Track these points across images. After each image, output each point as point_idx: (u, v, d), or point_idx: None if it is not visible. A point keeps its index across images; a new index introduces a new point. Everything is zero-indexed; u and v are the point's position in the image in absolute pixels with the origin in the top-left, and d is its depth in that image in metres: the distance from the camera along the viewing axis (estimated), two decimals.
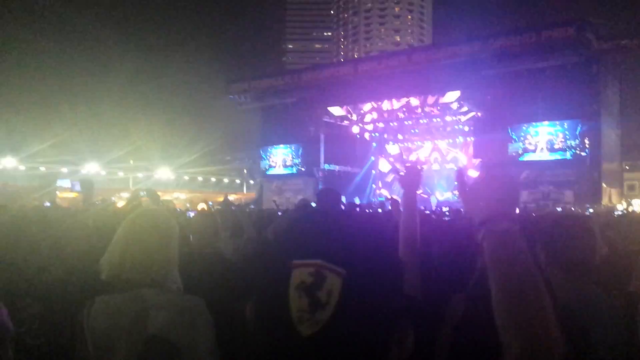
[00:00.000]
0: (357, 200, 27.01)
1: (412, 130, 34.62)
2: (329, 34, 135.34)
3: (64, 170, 44.86)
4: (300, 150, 32.90)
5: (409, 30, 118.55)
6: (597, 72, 24.65)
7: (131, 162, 49.32)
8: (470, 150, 31.19)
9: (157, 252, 1.83)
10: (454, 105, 29.49)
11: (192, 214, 8.92)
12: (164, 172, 47.30)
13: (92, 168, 43.83)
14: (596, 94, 24.51)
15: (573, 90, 23.82)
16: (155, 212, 2.01)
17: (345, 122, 33.76)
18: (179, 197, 39.56)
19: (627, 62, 26.41)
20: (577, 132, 24.45)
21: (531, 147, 25.49)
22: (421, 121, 33.00)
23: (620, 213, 13.61)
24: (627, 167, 36.15)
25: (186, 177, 51.98)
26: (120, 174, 48.41)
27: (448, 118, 31.50)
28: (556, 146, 24.90)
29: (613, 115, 27.44)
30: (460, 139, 32.63)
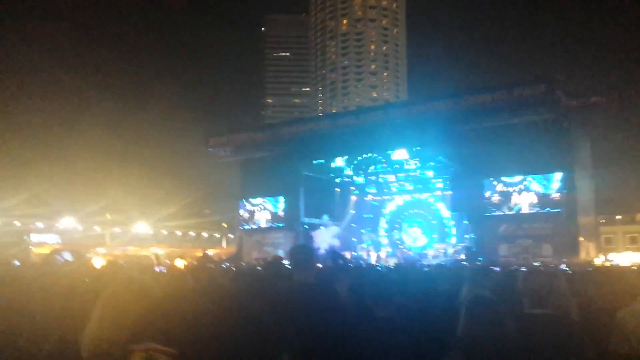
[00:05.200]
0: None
1: (392, 184, 34.82)
2: (308, 89, 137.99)
3: (40, 224, 43.87)
4: (280, 204, 32.80)
5: (385, 87, 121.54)
6: (568, 128, 25.38)
7: (108, 216, 48.49)
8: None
9: (135, 326, 1.74)
10: (431, 160, 29.94)
11: (160, 269, 8.46)
12: (142, 226, 46.50)
13: (68, 223, 42.92)
14: (568, 150, 25.13)
15: (546, 146, 24.41)
16: (135, 287, 1.92)
17: (329, 175, 33.85)
18: (157, 252, 38.74)
19: (597, 118, 27.25)
20: (552, 187, 24.91)
21: (507, 201, 25.82)
22: (399, 175, 33.37)
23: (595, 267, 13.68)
24: (602, 221, 36.78)
25: (164, 231, 51.13)
26: (97, 228, 47.45)
27: (427, 172, 31.93)
28: (532, 200, 25.26)
29: (586, 170, 28.07)
30: (439, 193, 32.92)
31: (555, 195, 24.75)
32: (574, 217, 24.57)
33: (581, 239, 24.89)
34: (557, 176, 24.76)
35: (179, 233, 52.83)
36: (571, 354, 3.05)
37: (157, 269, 8.90)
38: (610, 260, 22.62)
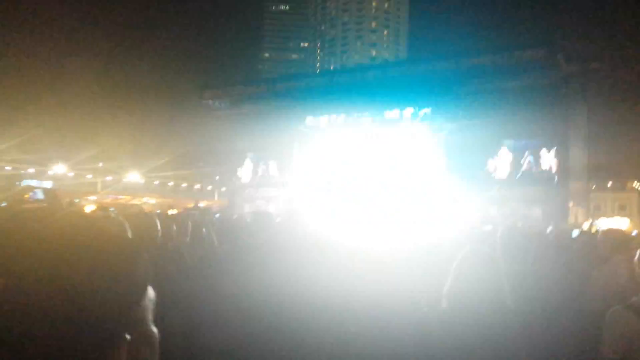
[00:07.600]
0: None
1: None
2: (306, 44, 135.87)
3: (31, 170, 43.67)
4: (274, 159, 32.72)
5: (385, 45, 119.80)
6: (566, 93, 25.25)
7: (100, 164, 48.23)
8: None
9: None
10: (428, 120, 29.75)
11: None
12: (134, 176, 46.39)
13: (59, 169, 42.74)
14: (565, 115, 25.08)
15: (543, 110, 24.32)
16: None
17: (322, 133, 33.67)
18: (148, 202, 38.89)
19: (595, 84, 27.11)
20: (546, 151, 24.98)
21: (502, 164, 25.91)
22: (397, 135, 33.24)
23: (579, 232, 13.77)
24: (593, 188, 37.15)
25: (156, 182, 51.09)
26: (89, 176, 47.30)
27: (424, 132, 31.79)
28: (526, 164, 25.36)
29: (581, 136, 28.08)
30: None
31: (549, 160, 24.84)
32: (566, 182, 24.77)
33: (571, 204, 25.16)
34: (553, 141, 24.80)
35: (171, 184, 52.77)
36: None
37: None
38: (596, 226, 22.91)
